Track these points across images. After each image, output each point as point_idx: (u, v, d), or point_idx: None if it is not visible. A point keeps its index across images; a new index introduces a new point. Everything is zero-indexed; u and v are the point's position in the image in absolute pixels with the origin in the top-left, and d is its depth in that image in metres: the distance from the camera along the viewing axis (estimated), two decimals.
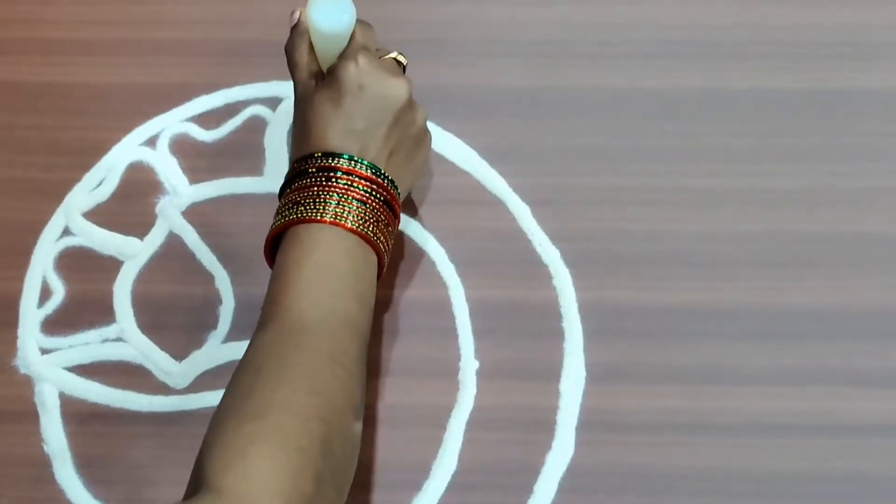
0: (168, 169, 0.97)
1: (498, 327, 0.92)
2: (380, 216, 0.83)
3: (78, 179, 0.97)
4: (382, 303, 0.92)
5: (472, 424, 0.89)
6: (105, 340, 0.93)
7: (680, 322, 0.91)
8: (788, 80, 0.98)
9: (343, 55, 0.85)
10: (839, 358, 0.89)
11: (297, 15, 0.87)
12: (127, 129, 0.99)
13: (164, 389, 0.91)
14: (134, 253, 0.95)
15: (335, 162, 0.83)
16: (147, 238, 0.95)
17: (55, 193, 0.97)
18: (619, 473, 0.87)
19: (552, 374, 0.90)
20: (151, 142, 0.98)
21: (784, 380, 0.89)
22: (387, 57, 0.87)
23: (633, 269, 0.93)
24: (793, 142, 0.96)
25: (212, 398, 0.90)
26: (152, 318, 0.93)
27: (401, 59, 0.88)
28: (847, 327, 0.90)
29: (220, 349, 0.92)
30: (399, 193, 0.86)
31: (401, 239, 0.94)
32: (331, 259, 0.81)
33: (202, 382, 0.91)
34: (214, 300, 0.93)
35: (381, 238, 0.84)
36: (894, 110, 0.97)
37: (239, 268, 0.94)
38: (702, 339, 0.90)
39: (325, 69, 0.86)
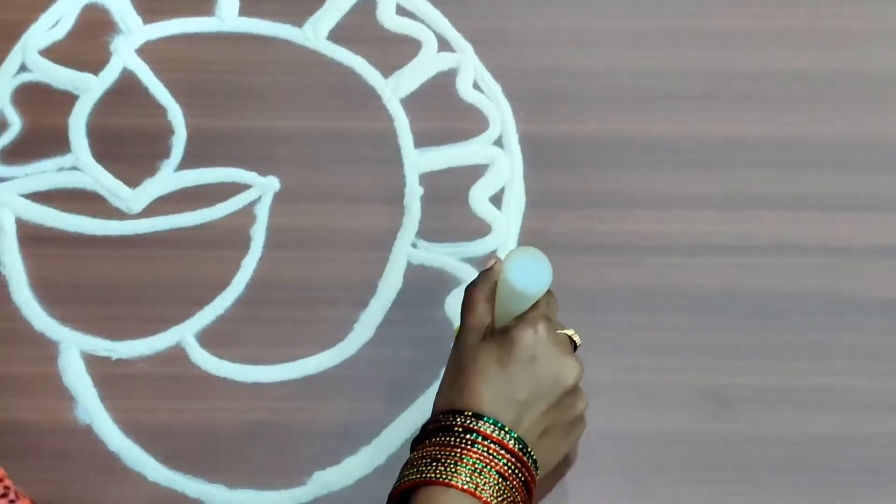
0: (122, 9, 1.00)
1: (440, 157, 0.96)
2: (517, 496, 0.77)
3: (34, 20, 1.00)
4: (335, 131, 0.96)
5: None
6: (60, 169, 0.95)
7: (612, 152, 0.96)
8: None
9: (524, 319, 0.79)
10: (761, 183, 0.95)
11: (492, 261, 0.83)
12: None
13: (118, 214, 0.94)
14: (89, 88, 0.98)
15: (484, 427, 0.77)
16: (102, 74, 0.98)
17: (12, 33, 1.00)
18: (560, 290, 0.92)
19: (496, 200, 0.94)
20: None
21: (706, 204, 0.94)
22: (563, 332, 0.82)
23: (571, 103, 0.97)
24: None
25: (165, 222, 0.93)
26: (106, 149, 0.96)
27: (576, 338, 0.83)
28: (768, 155, 0.96)
29: (173, 176, 0.95)
30: (538, 475, 0.80)
31: (349, 72, 0.98)
32: None
33: (156, 207, 0.94)
34: (167, 131, 0.96)
35: None
36: None
37: (191, 101, 0.97)
38: (632, 167, 0.95)
39: (497, 323, 0.81)
